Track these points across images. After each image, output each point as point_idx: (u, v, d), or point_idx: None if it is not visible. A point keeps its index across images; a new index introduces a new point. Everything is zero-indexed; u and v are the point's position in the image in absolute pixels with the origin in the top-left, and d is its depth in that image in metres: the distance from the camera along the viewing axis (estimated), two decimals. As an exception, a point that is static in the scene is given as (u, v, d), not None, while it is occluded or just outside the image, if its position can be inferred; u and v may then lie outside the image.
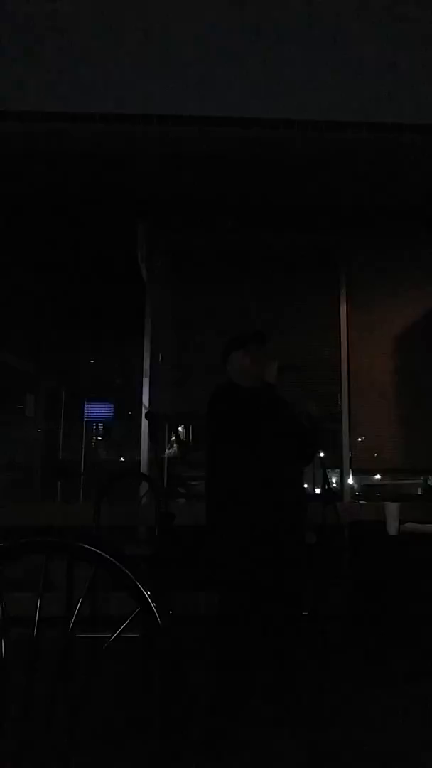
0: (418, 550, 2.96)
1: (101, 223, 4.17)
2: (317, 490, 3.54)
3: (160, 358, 4.24)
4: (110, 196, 3.94)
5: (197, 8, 3.14)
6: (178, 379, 4.22)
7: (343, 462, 4.02)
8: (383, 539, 3.03)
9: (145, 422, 3.91)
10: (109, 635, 0.89)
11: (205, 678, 2.22)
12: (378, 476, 4.38)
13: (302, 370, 2.60)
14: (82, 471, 6.16)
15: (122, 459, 6.34)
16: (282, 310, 4.26)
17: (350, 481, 4.06)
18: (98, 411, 6.40)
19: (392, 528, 3.04)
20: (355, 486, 4.17)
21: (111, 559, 0.87)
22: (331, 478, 3.06)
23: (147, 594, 0.86)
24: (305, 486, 2.81)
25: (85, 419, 6.32)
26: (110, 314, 5.16)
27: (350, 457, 4.04)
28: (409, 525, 3.12)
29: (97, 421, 6.50)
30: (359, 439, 4.14)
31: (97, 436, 6.62)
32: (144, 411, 3.97)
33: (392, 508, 3.07)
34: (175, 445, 4.50)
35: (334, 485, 3.80)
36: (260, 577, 2.20)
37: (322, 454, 2.73)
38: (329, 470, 2.91)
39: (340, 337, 4.18)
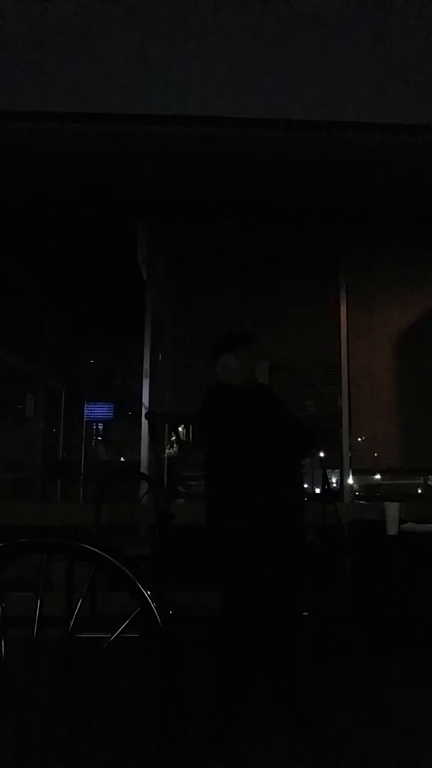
0: (418, 550, 2.96)
1: (101, 223, 4.18)
2: (317, 490, 3.53)
3: (160, 358, 4.24)
4: (110, 196, 3.94)
5: (197, 8, 3.14)
6: (178, 379, 4.22)
7: (343, 462, 4.02)
8: (383, 539, 3.03)
9: (145, 422, 3.90)
10: (109, 635, 0.89)
11: (205, 678, 2.21)
12: (378, 476, 4.38)
13: (296, 372, 2.53)
14: (82, 471, 6.17)
15: (122, 459, 6.36)
16: (282, 310, 4.26)
17: (350, 481, 4.05)
18: (98, 411, 6.42)
19: (392, 528, 3.04)
20: (355, 486, 4.17)
21: (111, 559, 0.87)
22: (331, 478, 3.05)
23: (147, 594, 0.86)
24: (305, 486, 2.80)
25: (85, 419, 6.34)
26: (110, 314, 5.16)
27: (350, 457, 4.04)
28: (409, 525, 3.12)
29: (97, 421, 6.53)
30: (359, 439, 4.14)
31: (97, 436, 6.63)
32: (144, 411, 3.97)
33: (392, 508, 3.07)
34: (175, 445, 4.50)
35: (334, 485, 3.80)
36: (260, 577, 2.20)
37: (322, 454, 2.72)
38: (329, 470, 2.91)
39: (340, 337, 4.18)
